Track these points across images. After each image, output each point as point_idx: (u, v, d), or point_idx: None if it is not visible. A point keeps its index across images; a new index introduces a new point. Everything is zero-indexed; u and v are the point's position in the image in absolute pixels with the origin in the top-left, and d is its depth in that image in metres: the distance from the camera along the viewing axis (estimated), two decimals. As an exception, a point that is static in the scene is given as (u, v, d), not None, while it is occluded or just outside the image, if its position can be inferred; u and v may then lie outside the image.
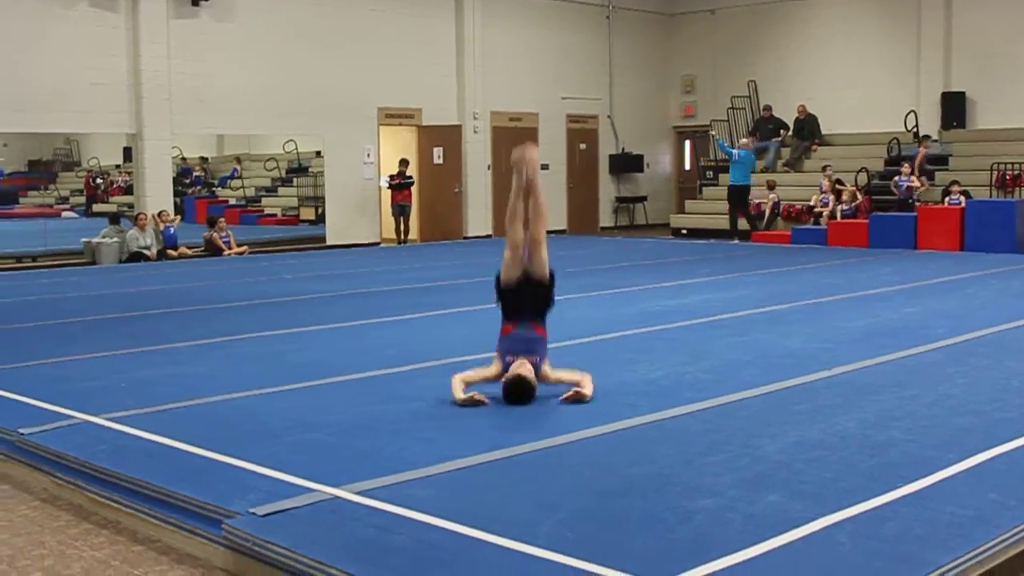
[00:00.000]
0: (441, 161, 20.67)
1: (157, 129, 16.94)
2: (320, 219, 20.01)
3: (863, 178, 19.23)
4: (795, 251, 16.34)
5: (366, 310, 9.99)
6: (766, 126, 21.85)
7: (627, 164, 23.90)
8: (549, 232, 6.08)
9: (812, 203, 19.00)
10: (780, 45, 22.71)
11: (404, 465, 4.64)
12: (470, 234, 20.78)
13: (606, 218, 23.90)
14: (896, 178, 18.64)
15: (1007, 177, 17.95)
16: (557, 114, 22.31)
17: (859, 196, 18.71)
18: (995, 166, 18.04)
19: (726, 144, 19.61)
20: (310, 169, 21.91)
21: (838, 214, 18.36)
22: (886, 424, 5.31)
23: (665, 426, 5.37)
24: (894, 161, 19.43)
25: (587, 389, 5.81)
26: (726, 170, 19.76)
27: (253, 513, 4.05)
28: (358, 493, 4.27)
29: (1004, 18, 19.67)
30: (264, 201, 23.80)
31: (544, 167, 5.97)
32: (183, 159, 22.36)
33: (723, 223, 19.42)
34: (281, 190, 23.61)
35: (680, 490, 4.28)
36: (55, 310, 10.41)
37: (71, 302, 11.19)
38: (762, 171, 20.93)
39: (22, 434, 5.41)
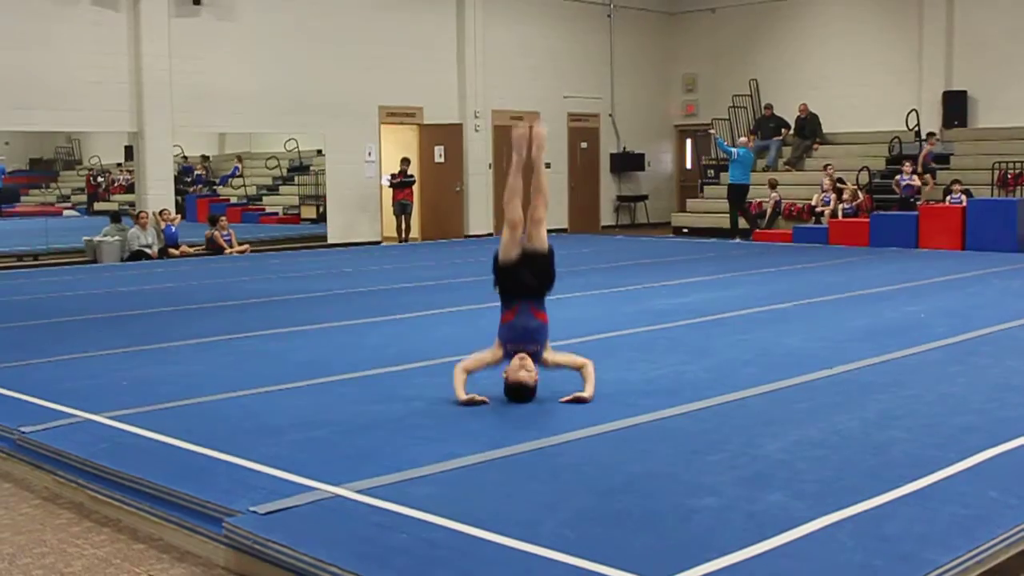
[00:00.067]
0: (442, 160, 20.67)
1: (158, 127, 16.95)
2: (321, 218, 20.01)
3: (864, 177, 19.22)
4: (796, 250, 16.34)
5: (367, 309, 9.99)
6: (767, 125, 21.83)
7: (628, 163, 23.90)
8: (550, 231, 6.05)
9: (813, 202, 18.99)
10: (781, 44, 22.69)
11: (405, 464, 4.64)
12: (471, 233, 20.78)
13: (607, 217, 23.89)
14: (898, 177, 18.62)
15: (1008, 176, 17.93)
16: (558, 113, 22.30)
17: (860, 195, 18.69)
18: (996, 165, 18.02)
19: (725, 143, 19.63)
20: (311, 168, 21.91)
21: (839, 213, 18.35)
22: (887, 423, 5.31)
23: (666, 425, 5.37)
24: (895, 160, 19.42)
25: (588, 391, 5.78)
26: (727, 169, 19.76)
27: (254, 511, 4.05)
28: (359, 492, 4.27)
29: (1006, 17, 19.65)
30: (265, 200, 23.80)
31: (546, 166, 5.98)
32: (184, 157, 22.36)
33: (724, 222, 19.42)
34: (282, 189, 23.61)
35: (681, 489, 4.29)
36: (56, 309, 10.41)
37: (72, 301, 11.19)
38: (763, 170, 20.94)
39: (23, 432, 5.41)
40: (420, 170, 20.41)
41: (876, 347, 7.42)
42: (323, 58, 18.69)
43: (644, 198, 24.30)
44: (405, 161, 19.85)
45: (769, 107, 21.95)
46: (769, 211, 19.47)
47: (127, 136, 18.41)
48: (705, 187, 22.27)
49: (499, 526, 3.82)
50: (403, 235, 19.83)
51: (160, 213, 16.79)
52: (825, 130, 21.29)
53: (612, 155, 23.76)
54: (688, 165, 25.24)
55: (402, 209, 19.77)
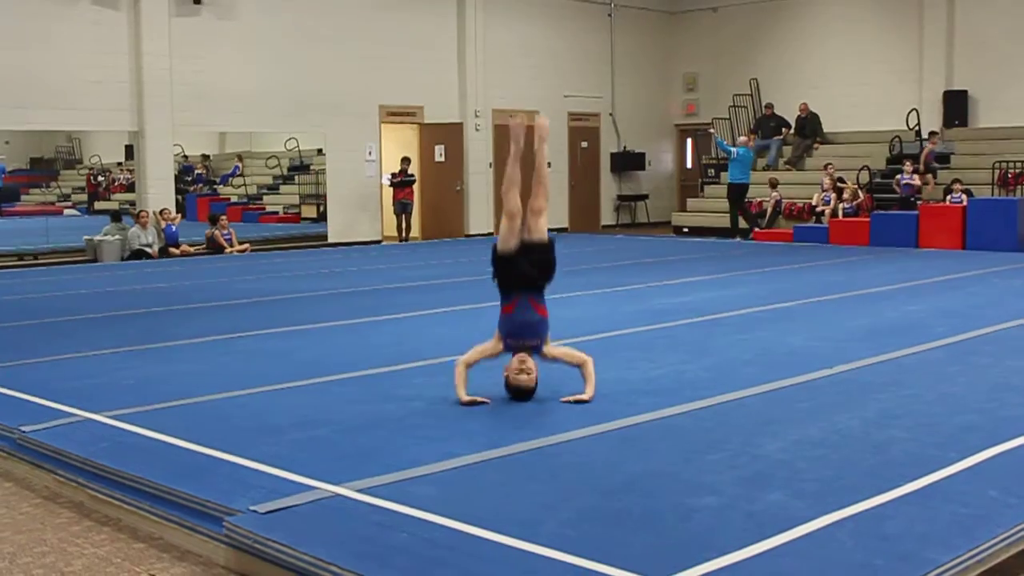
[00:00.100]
0: (443, 159, 20.67)
1: (159, 127, 16.95)
2: (322, 217, 20.02)
3: (865, 176, 19.22)
4: (797, 249, 16.34)
5: (367, 308, 9.99)
6: (768, 124, 21.83)
7: (629, 162, 23.89)
8: (550, 230, 6.02)
9: (814, 201, 18.98)
10: (782, 43, 22.69)
11: (406, 463, 4.64)
12: (472, 232, 20.78)
13: (607, 216, 23.89)
14: (898, 176, 18.62)
15: (1009, 175, 17.93)
16: (559, 112, 22.29)
17: (860, 194, 18.69)
18: (997, 165, 18.02)
19: (725, 142, 19.64)
20: (312, 167, 21.91)
21: (840, 212, 18.35)
22: (887, 422, 5.31)
23: (666, 424, 5.37)
24: (896, 159, 19.42)
25: (588, 392, 5.77)
26: (727, 168, 19.77)
27: (254, 511, 4.05)
28: (360, 491, 4.27)
29: (1006, 16, 19.64)
30: (266, 199, 23.80)
31: (547, 165, 5.96)
32: (185, 157, 22.36)
33: (725, 222, 19.43)
34: (283, 188, 23.60)
35: (681, 488, 4.29)
36: (56, 308, 10.41)
37: (72, 300, 11.19)
38: (764, 169, 20.95)
39: (24, 432, 5.41)
40: (420, 169, 20.42)
41: (876, 346, 7.42)
42: (324, 57, 18.69)
43: (644, 197, 24.30)
44: (405, 160, 19.85)
45: (770, 106, 21.95)
46: (770, 210, 19.47)
47: (127, 135, 18.41)
48: (706, 186, 22.27)
49: (499, 525, 3.83)
50: (403, 234, 19.84)
51: (160, 212, 16.79)
52: (826, 129, 21.29)
53: (612, 154, 23.76)
54: (689, 164, 25.23)
55: (402, 208, 19.78)
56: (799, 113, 21.36)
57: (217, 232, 17.13)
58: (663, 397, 5.91)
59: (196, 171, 23.95)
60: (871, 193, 18.91)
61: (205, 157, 24.46)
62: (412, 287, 11.80)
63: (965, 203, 16.54)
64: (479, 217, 21.02)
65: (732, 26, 23.46)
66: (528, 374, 5.72)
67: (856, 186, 18.86)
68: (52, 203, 25.68)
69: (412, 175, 19.92)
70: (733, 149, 18.97)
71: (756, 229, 18.92)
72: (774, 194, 19.53)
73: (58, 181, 27.60)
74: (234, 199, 23.52)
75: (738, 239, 18.63)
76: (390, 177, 19.85)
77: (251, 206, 23.25)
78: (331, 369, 6.87)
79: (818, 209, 18.83)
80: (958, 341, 7.71)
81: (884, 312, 9.33)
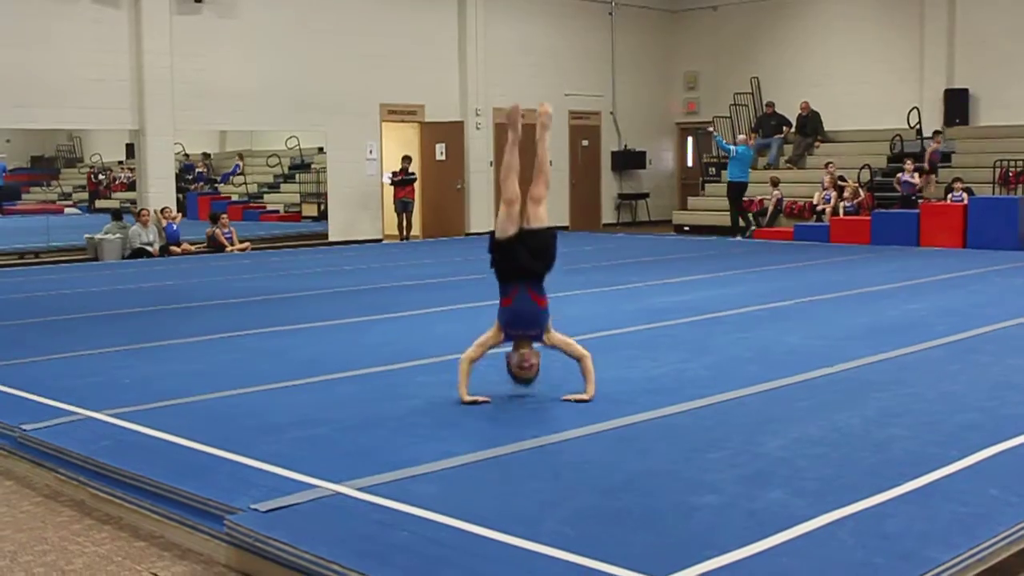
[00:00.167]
0: (443, 157, 20.67)
1: (159, 125, 16.95)
2: (322, 216, 20.02)
3: (866, 175, 19.21)
4: (797, 248, 16.34)
5: (368, 307, 9.99)
6: (769, 123, 21.83)
7: (629, 161, 23.89)
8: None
9: (815, 200, 18.98)
10: (783, 42, 22.68)
11: (406, 461, 4.65)
12: (472, 230, 20.77)
13: (608, 215, 23.89)
14: (899, 175, 18.61)
15: (1010, 174, 17.92)
16: (559, 110, 22.20)
17: (861, 193, 18.68)
18: (998, 163, 18.02)
19: (724, 141, 19.64)
20: (312, 165, 21.93)
21: (840, 211, 18.34)
22: (888, 421, 5.31)
23: (666, 423, 5.38)
24: (897, 158, 19.41)
25: (589, 392, 5.76)
26: (727, 167, 19.77)
27: (255, 509, 4.05)
28: (360, 489, 4.27)
29: (1007, 15, 19.63)
30: (266, 197, 23.83)
31: (547, 153, 5.90)
32: (186, 155, 22.40)
33: (725, 220, 19.44)
34: (283, 186, 23.63)
35: (681, 487, 4.29)
36: (58, 306, 10.42)
37: (73, 298, 11.20)
38: (765, 168, 20.95)
39: (24, 430, 5.42)
40: (421, 168, 20.42)
41: (877, 345, 7.42)
42: (324, 56, 18.69)
43: (645, 196, 24.30)
44: (406, 159, 19.85)
45: (770, 105, 21.94)
46: (771, 209, 19.47)
47: (128, 134, 18.44)
48: (706, 185, 22.26)
49: (500, 524, 3.83)
50: (404, 233, 19.83)
51: (161, 211, 16.79)
52: (827, 128, 21.28)
53: (613, 153, 23.75)
54: (689, 163, 25.23)
55: (403, 207, 19.78)
56: (800, 112, 21.35)
57: (218, 231, 17.13)
58: (663, 396, 5.91)
59: (197, 169, 23.98)
60: (872, 192, 18.91)
61: (206, 156, 24.50)
62: (413, 286, 11.80)
63: (966, 202, 16.53)
64: (480, 216, 21.00)
65: (733, 25, 23.45)
66: (529, 370, 5.72)
67: (857, 185, 18.85)
68: (53, 202, 25.72)
69: (413, 174, 19.92)
70: (732, 148, 18.98)
71: (753, 228, 18.94)
72: (775, 193, 19.52)
73: (59, 180, 27.63)
74: (235, 198, 23.56)
75: (739, 237, 18.64)
76: (391, 176, 19.85)
77: (252, 205, 23.28)
78: (332, 368, 6.88)
79: (819, 208, 18.83)
80: (959, 339, 7.71)
81: (885, 311, 9.33)
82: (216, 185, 24.40)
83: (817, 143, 21.17)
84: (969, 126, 19.94)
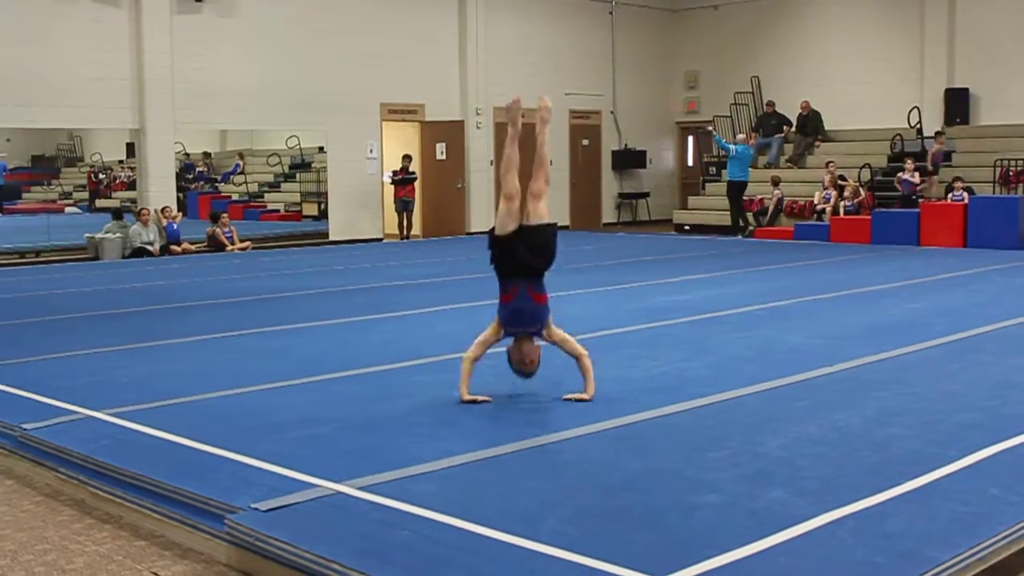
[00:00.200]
0: (444, 157, 20.68)
1: (160, 124, 16.95)
2: (323, 215, 20.03)
3: (866, 174, 19.21)
4: (797, 247, 16.34)
5: (368, 306, 9.99)
6: (769, 122, 21.83)
7: (630, 160, 23.89)
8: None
9: (815, 200, 18.98)
10: (783, 41, 22.68)
11: (407, 461, 4.65)
12: (473, 230, 20.77)
13: (609, 214, 23.89)
14: (899, 174, 18.60)
15: (1010, 173, 17.92)
16: (560, 110, 22.24)
17: (862, 192, 18.68)
18: (998, 162, 18.01)
19: (724, 140, 19.64)
20: (313, 164, 21.94)
21: (841, 210, 18.34)
22: (888, 420, 5.31)
23: (667, 422, 5.38)
24: (897, 157, 19.41)
25: (589, 391, 5.75)
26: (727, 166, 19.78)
27: (256, 508, 4.05)
28: (361, 488, 4.27)
29: (1008, 14, 19.63)
30: (267, 197, 23.84)
31: (547, 147, 5.84)
32: (186, 154, 22.40)
33: (726, 219, 19.44)
34: (284, 186, 23.64)
35: (682, 486, 4.29)
36: (58, 306, 10.42)
37: (74, 298, 11.20)
38: (765, 167, 20.95)
39: (25, 430, 5.42)
40: (422, 167, 20.42)
41: (877, 344, 7.41)
42: (325, 55, 18.69)
43: (646, 195, 24.30)
44: (407, 158, 19.85)
45: (771, 104, 21.94)
46: (772, 208, 19.47)
47: (129, 133, 18.43)
48: (707, 184, 22.26)
49: (501, 523, 3.83)
50: (405, 232, 19.84)
51: (162, 210, 16.79)
52: (827, 127, 21.28)
53: (614, 152, 23.75)
54: (690, 162, 25.23)
55: (404, 206, 19.78)
56: (800, 111, 21.35)
57: (218, 230, 17.13)
58: (664, 395, 5.91)
59: (197, 169, 23.99)
60: (872, 191, 18.91)
61: (206, 155, 24.50)
62: (413, 285, 11.80)
63: (966, 201, 16.53)
64: (480, 215, 21.00)
65: (733, 24, 23.45)
66: (530, 365, 5.73)
67: (857, 184, 18.85)
68: (53, 201, 25.73)
69: (413, 173, 19.92)
70: (732, 147, 19.00)
71: (752, 228, 18.95)
72: (776, 192, 19.52)
73: (59, 179, 27.64)
74: (235, 197, 23.56)
75: (739, 237, 18.64)
76: (391, 175, 19.85)
77: (252, 204, 23.29)
78: (332, 367, 6.88)
79: (819, 207, 18.83)
80: (959, 339, 7.71)
81: (885, 310, 9.33)
82: (216, 184, 24.41)
83: (817, 142, 21.17)
84: (969, 125, 19.94)
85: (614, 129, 23.73)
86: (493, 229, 5.81)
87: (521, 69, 21.57)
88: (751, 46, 23.04)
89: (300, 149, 22.48)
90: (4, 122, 16.81)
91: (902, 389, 6.02)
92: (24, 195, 26.43)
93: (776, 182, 19.66)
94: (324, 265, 14.46)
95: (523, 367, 5.73)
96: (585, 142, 23.27)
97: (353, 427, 5.35)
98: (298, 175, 22.94)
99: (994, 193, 17.64)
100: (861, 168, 19.26)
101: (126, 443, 5.13)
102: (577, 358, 5.79)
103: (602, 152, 23.64)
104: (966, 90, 20.07)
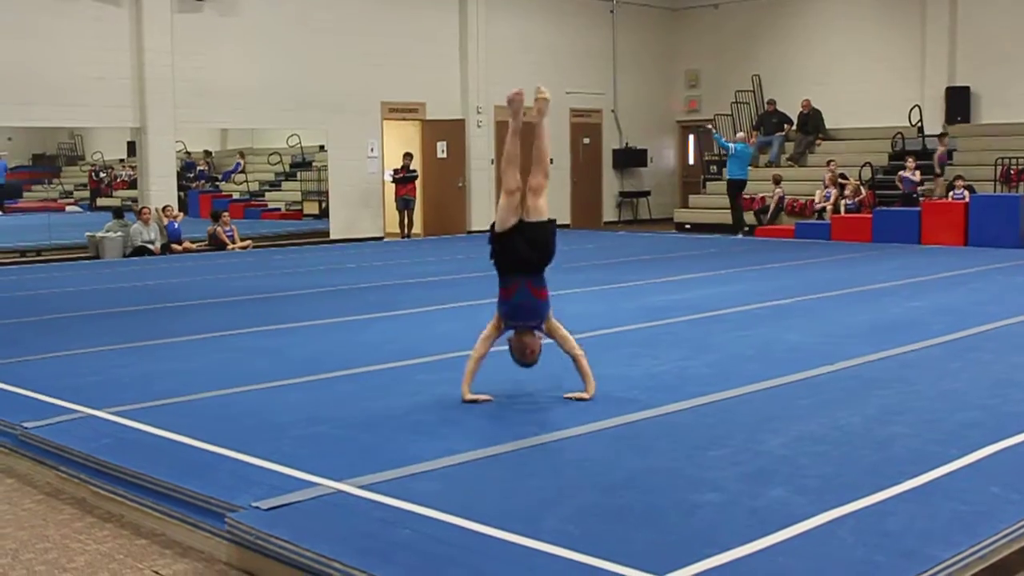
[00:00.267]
0: (445, 155, 20.68)
1: (161, 123, 16.95)
2: (324, 213, 20.03)
3: (867, 173, 19.21)
4: (798, 246, 16.34)
5: (369, 305, 9.99)
6: (770, 120, 21.83)
7: (630, 159, 23.89)
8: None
9: (816, 198, 18.97)
10: (784, 39, 22.67)
11: (408, 459, 4.65)
12: (474, 228, 20.77)
13: (609, 213, 23.89)
14: (900, 172, 18.60)
15: (1011, 172, 17.91)
16: (561, 108, 22.27)
17: (863, 190, 18.67)
18: (999, 161, 18.01)
19: (723, 138, 19.65)
20: (313, 163, 21.95)
21: (842, 208, 18.33)
22: (889, 419, 5.31)
23: (668, 421, 5.38)
24: (898, 156, 19.40)
25: (589, 391, 5.75)
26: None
27: (257, 507, 4.05)
28: (362, 487, 4.28)
29: (1009, 13, 19.61)
30: (268, 195, 23.86)
31: (546, 140, 5.79)
32: (187, 153, 22.42)
33: (727, 218, 19.44)
34: (285, 184, 23.66)
35: (683, 485, 4.29)
36: (58, 304, 10.42)
37: (74, 296, 11.20)
38: (766, 166, 20.95)
39: (26, 428, 5.42)
40: (422, 166, 20.41)
41: (878, 343, 7.41)
42: (325, 54, 18.69)
43: (646, 194, 24.29)
44: (408, 156, 19.85)
45: (772, 103, 21.94)
46: (773, 207, 19.47)
47: (129, 132, 18.44)
48: (707, 183, 22.26)
49: (501, 522, 3.83)
50: (405, 231, 19.83)
51: (163, 209, 16.80)
52: (828, 126, 21.28)
53: (614, 151, 23.75)
54: (691, 161, 25.22)
55: (404, 205, 19.78)
56: (801, 109, 21.35)
57: (219, 229, 17.13)
58: (664, 393, 5.91)
59: (198, 168, 24.00)
60: (873, 189, 18.90)
61: (207, 154, 24.52)
62: (414, 283, 11.81)
63: (967, 200, 16.52)
64: (481, 213, 20.99)
65: (734, 22, 23.44)
66: (531, 356, 5.74)
67: (858, 182, 18.85)
68: (54, 200, 25.76)
69: (414, 171, 19.92)
70: (731, 145, 19.00)
71: (747, 227, 18.96)
72: (777, 190, 19.52)
73: (60, 178, 27.67)
74: (236, 196, 23.58)
75: (739, 235, 18.64)
76: (392, 173, 19.85)
77: (253, 203, 23.31)
78: (333, 365, 6.88)
79: (820, 205, 18.83)
80: (960, 337, 7.70)
81: (886, 308, 9.32)
82: (217, 183, 24.43)
83: (818, 141, 21.17)
84: (970, 124, 19.93)
85: (615, 128, 23.72)
86: (494, 224, 5.79)
87: (522, 68, 21.54)
88: (752, 45, 23.03)
89: (301, 148, 22.49)
90: (5, 121, 16.81)
91: (903, 388, 6.02)
92: (25, 194, 26.46)
93: (777, 180, 19.65)
94: (325, 264, 14.47)
95: (523, 358, 5.76)
96: (586, 141, 23.26)
97: (354, 426, 5.35)
98: (299, 174, 22.95)
99: (995, 192, 17.63)
100: (862, 166, 19.25)
101: (127, 442, 5.13)
102: (574, 358, 5.79)
103: (603, 151, 23.63)
104: (967, 89, 20.06)
